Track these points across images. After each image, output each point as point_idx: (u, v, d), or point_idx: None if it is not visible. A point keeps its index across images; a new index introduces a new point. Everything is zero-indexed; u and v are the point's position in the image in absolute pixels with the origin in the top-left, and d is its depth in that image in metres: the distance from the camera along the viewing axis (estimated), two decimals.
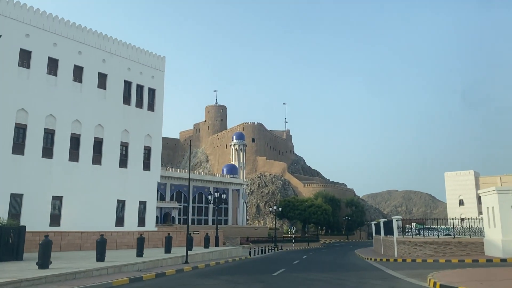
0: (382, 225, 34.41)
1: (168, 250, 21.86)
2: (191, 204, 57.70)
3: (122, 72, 35.08)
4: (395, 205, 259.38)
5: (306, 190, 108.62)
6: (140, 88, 36.54)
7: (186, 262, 19.88)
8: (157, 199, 54.17)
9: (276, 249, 47.71)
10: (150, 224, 35.85)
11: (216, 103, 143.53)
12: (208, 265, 20.82)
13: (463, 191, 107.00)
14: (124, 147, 34.68)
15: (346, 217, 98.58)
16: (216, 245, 33.73)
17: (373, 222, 45.18)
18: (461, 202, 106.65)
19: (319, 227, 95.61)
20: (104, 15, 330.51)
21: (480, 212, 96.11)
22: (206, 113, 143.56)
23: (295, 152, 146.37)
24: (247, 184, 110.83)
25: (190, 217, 57.22)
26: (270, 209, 53.27)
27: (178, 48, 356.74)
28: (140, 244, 19.06)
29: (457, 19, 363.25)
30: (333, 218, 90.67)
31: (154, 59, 37.97)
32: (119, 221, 33.44)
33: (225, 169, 71.73)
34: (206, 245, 27.61)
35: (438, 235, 28.66)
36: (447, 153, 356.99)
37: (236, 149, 79.57)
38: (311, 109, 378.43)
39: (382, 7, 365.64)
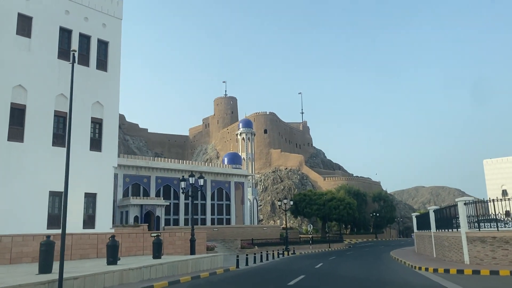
0: (432, 215, 23.37)
1: (45, 269, 11.50)
2: (183, 201, 47.63)
3: (57, 16, 25.41)
4: (423, 201, 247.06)
5: (326, 184, 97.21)
6: (85, 39, 26.77)
7: None
8: (140, 195, 44.64)
9: (287, 253, 37.21)
10: (104, 224, 25.95)
11: (226, 94, 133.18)
12: None
13: (506, 180, 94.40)
14: (61, 118, 24.93)
15: (374, 213, 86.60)
16: (192, 251, 23.75)
17: (414, 214, 34.03)
18: (504, 193, 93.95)
19: (343, 225, 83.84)
20: None
21: None
22: (215, 106, 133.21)
23: (314, 145, 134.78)
24: (260, 179, 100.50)
25: (183, 216, 47.20)
26: (279, 203, 42.83)
27: (185, 41, 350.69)
28: None
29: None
30: (359, 215, 78.92)
31: (105, 2, 28.16)
32: (54, 220, 23.70)
33: (226, 159, 60.93)
34: (155, 254, 17.37)
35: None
36: (477, 145, 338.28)
37: (243, 138, 68.79)
38: (330, 102, 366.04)
39: (392, 3, 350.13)
